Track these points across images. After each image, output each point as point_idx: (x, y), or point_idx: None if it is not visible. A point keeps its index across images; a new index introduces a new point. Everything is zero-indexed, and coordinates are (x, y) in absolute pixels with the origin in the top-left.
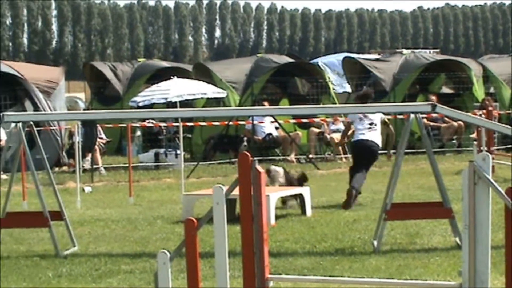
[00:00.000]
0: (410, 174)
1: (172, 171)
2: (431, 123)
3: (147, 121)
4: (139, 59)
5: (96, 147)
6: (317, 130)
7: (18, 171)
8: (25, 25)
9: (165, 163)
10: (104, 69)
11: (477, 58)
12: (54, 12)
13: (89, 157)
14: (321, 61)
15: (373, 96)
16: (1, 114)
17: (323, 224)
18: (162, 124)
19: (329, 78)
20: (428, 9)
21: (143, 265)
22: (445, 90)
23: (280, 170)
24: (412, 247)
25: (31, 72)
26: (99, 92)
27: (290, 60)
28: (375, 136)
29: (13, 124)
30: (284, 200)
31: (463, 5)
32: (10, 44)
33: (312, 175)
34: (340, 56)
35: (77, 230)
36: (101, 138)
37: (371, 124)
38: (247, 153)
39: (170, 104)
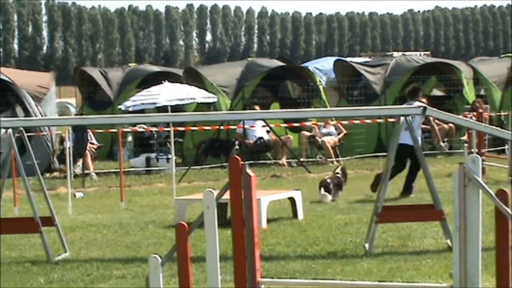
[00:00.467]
0: (402, 176)
1: (164, 175)
2: (423, 126)
3: (138, 126)
4: (130, 64)
5: (87, 152)
6: (308, 134)
7: (9, 177)
8: (16, 30)
9: (157, 168)
10: (95, 74)
11: (468, 61)
12: (45, 18)
13: (80, 163)
14: (311, 65)
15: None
16: None
17: (314, 227)
18: (153, 129)
19: (320, 81)
20: (419, 11)
21: (135, 270)
22: (436, 92)
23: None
24: (404, 250)
25: (22, 78)
26: (90, 97)
27: (281, 63)
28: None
29: (3, 130)
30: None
31: (454, 8)
32: (1, 49)
33: (304, 179)
34: (330, 60)
35: (69, 235)
36: (92, 144)
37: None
38: (237, 157)
39: (161, 109)
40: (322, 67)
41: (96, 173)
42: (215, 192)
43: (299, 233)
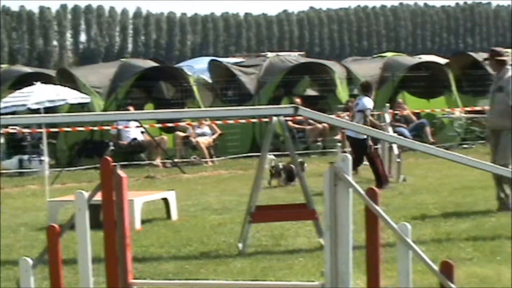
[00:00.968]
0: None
1: (37, 177)
2: (296, 125)
3: (10, 127)
4: (2, 65)
5: None
6: (182, 134)
7: None
8: None
9: (29, 170)
10: None
11: (342, 60)
12: None
13: None
14: (186, 65)
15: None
16: None
17: (188, 228)
18: (26, 130)
19: (194, 82)
20: (293, 12)
21: (6, 273)
22: (310, 92)
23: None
24: (277, 249)
25: None
26: None
27: (155, 64)
28: None
29: None
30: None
31: (328, 8)
32: None
33: (178, 179)
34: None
35: None
36: None
37: None
38: (108, 158)
39: (33, 110)
40: (197, 67)
41: None
42: (87, 194)
43: (172, 233)
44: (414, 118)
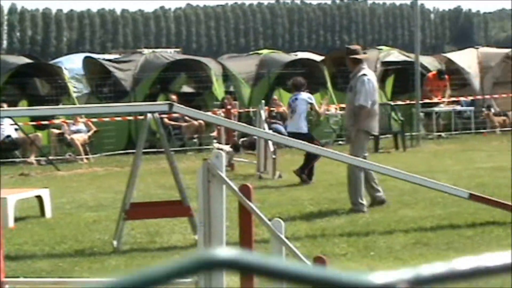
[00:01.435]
0: (152, 173)
1: None
2: (172, 122)
3: None
4: None
5: None
6: (57, 131)
7: None
8: None
9: None
10: None
11: (218, 58)
12: None
13: None
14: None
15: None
16: None
17: (63, 225)
18: None
19: (69, 78)
20: (170, 9)
21: None
22: (186, 89)
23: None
24: (152, 246)
25: None
26: None
27: (29, 60)
28: None
29: None
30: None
31: (205, 5)
32: None
33: (53, 177)
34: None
35: None
36: None
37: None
38: None
39: None
40: (72, 64)
41: None
42: None
43: (46, 231)
44: None
